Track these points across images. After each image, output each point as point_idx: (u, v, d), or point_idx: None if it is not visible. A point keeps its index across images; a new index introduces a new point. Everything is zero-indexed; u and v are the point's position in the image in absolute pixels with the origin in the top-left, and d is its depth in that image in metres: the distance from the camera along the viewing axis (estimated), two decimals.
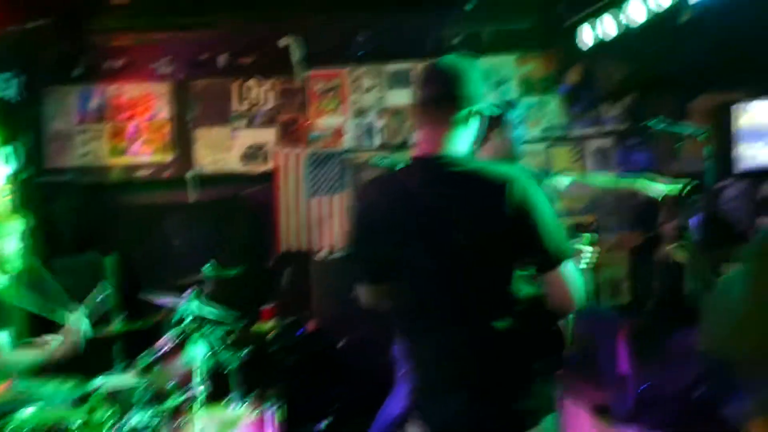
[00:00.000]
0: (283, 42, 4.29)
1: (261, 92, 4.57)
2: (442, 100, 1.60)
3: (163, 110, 4.58)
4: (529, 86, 4.73)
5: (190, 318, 3.20)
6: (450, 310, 1.57)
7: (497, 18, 4.56)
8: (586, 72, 4.71)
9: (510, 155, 2.66)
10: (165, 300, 3.28)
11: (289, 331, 4.19)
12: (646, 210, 4.73)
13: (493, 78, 4.70)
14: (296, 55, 4.32)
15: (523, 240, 1.49)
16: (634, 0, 3.78)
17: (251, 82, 4.56)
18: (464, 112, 1.60)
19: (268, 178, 4.50)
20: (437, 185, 1.56)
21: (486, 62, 4.69)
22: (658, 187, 2.57)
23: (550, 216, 1.50)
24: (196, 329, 3.22)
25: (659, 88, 4.64)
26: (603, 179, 2.47)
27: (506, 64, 4.71)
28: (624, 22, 3.95)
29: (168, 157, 4.60)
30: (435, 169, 1.59)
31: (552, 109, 4.72)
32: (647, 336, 3.93)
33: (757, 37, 4.32)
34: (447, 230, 1.52)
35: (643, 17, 3.81)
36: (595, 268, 4.80)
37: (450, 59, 1.68)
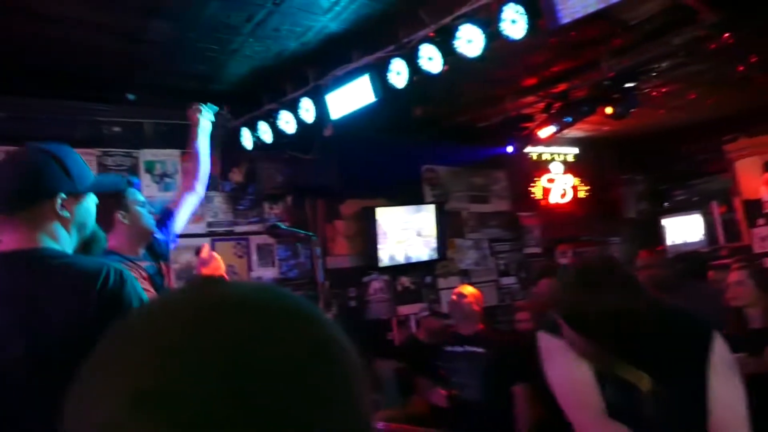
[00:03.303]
0: None
1: None
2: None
3: None
4: None
5: None
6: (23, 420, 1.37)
7: (160, 112, 4.56)
8: (250, 172, 4.97)
9: (144, 233, 2.53)
10: None
11: None
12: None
13: (156, 171, 4.62)
14: None
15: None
16: (284, 112, 4.19)
17: None
18: (40, 202, 1.47)
19: None
20: (9, 283, 1.41)
21: (149, 154, 4.61)
22: None
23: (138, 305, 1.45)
24: None
25: (314, 190, 5.14)
26: None
27: (171, 157, 4.69)
28: (279, 130, 4.33)
29: None
30: (11, 265, 1.44)
31: (216, 205, 4.81)
32: None
33: (382, 154, 5.18)
34: (20, 329, 1.35)
35: (293, 128, 4.24)
36: None
37: (9, 157, 1.57)
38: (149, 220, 2.51)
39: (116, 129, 4.46)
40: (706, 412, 1.72)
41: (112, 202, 2.48)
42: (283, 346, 0.40)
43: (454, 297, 3.86)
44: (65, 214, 1.50)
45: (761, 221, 7.10)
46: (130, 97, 4.36)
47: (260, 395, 0.37)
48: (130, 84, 4.22)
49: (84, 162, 1.62)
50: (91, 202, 1.62)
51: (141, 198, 2.52)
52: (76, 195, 1.53)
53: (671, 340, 1.79)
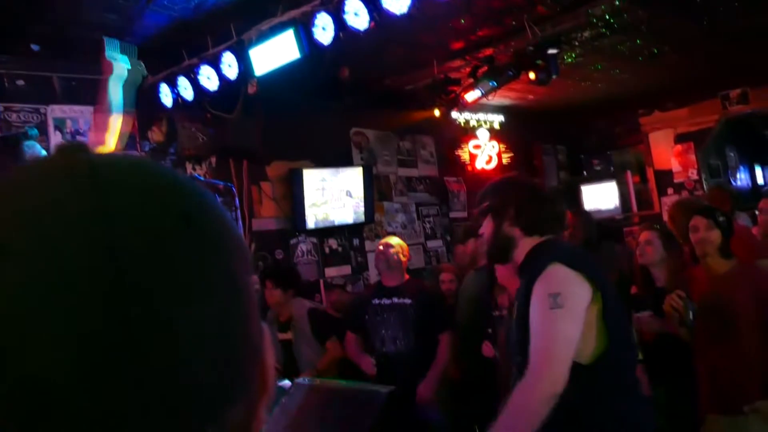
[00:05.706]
0: None
1: None
2: None
3: None
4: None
5: None
6: None
7: (70, 65, 4.27)
8: (170, 131, 4.76)
9: None
10: None
11: None
12: None
13: (67, 128, 4.34)
14: None
15: None
16: (205, 66, 4.02)
17: None
18: None
19: None
20: None
21: (59, 110, 4.33)
22: None
23: None
24: None
25: (239, 151, 5.00)
26: None
27: (83, 115, 4.42)
28: (200, 86, 4.15)
29: None
30: None
31: None
32: None
33: (310, 116, 5.09)
34: None
35: (215, 85, 4.07)
36: None
37: None
38: None
39: (20, 82, 4.15)
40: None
41: (5, 158, 2.34)
42: (151, 211, 0.39)
43: (380, 247, 3.90)
44: None
45: (671, 190, 7.54)
46: (35, 47, 4.05)
47: (122, 258, 0.36)
48: (34, 34, 3.92)
49: None
50: None
51: (42, 151, 2.39)
52: None
53: (525, 276, 1.91)
